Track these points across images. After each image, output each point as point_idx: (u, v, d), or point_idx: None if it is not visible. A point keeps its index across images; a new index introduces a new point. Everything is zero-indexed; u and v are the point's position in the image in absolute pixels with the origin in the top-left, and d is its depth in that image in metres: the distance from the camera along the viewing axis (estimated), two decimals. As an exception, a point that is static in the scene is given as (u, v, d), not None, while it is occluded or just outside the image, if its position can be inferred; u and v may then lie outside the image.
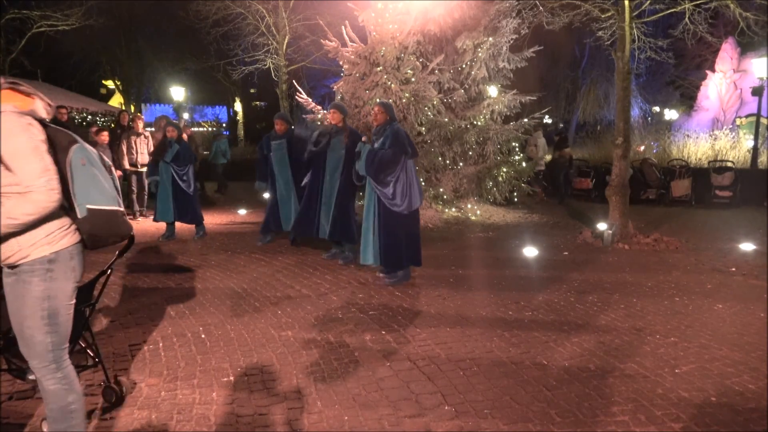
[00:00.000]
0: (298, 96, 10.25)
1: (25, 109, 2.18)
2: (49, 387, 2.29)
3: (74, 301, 2.35)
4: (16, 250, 2.18)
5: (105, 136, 9.08)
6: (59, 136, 2.26)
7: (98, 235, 2.29)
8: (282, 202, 7.43)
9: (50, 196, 2.10)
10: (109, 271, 2.99)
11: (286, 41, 17.79)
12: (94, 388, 3.32)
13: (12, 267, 2.24)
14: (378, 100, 5.82)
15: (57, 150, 2.22)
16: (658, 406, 3.19)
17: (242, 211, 10.91)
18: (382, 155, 5.38)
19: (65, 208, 2.23)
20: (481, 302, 5.17)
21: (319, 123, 9.39)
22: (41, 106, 2.27)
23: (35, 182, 2.08)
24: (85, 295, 3.05)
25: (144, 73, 28.09)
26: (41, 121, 2.25)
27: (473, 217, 10.10)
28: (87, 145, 2.33)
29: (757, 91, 13.88)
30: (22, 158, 2.08)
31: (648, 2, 8.02)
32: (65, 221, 2.25)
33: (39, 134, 2.16)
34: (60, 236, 2.23)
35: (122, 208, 2.37)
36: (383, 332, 4.34)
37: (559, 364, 3.76)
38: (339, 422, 3.00)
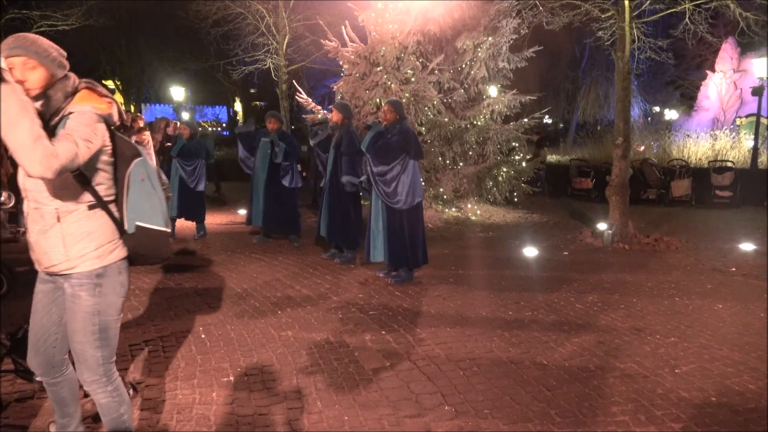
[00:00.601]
0: (298, 96, 10.25)
1: (104, 112, 2.12)
2: (101, 400, 2.28)
3: (121, 315, 2.30)
4: (63, 259, 2.11)
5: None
6: (125, 147, 2.20)
7: (141, 254, 2.25)
8: (255, 199, 7.53)
9: (54, 158, 1.82)
10: None
11: (286, 41, 17.78)
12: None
13: (52, 275, 2.20)
14: (387, 99, 5.93)
15: (120, 160, 2.17)
16: (658, 406, 3.19)
17: (242, 211, 10.90)
18: (384, 143, 5.49)
19: (117, 221, 2.18)
20: (481, 302, 5.17)
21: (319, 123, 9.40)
22: (116, 111, 2.20)
23: (67, 140, 1.90)
24: None
25: (144, 73, 28.08)
26: (110, 128, 2.18)
27: (473, 217, 10.10)
28: (150, 161, 2.28)
29: (757, 91, 13.88)
30: (73, 131, 1.96)
31: (648, 2, 8.02)
32: (116, 235, 2.20)
33: (101, 139, 2.07)
34: (109, 250, 2.17)
35: (169, 230, 2.31)
36: (383, 332, 4.34)
37: (559, 364, 3.76)
38: (339, 422, 3.00)
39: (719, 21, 17.14)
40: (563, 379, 3.53)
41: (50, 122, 2.02)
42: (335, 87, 10.65)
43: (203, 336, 4.24)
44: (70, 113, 2.04)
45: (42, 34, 2.39)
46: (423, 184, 6.49)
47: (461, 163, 10.58)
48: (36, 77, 2.01)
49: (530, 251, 7.32)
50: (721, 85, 19.99)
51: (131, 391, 3.13)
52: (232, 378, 3.53)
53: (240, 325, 4.48)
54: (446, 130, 10.20)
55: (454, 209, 10.28)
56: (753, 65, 15.06)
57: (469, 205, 10.43)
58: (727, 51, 19.68)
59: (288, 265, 6.51)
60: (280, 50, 17.92)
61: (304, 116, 11.66)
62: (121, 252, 2.22)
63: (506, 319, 4.70)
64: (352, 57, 9.97)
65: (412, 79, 9.78)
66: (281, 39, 17.74)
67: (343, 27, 9.87)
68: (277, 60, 18.12)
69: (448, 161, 10.36)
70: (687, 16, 8.57)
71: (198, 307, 4.95)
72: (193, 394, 3.30)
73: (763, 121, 15.01)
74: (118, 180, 2.17)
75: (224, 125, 33.04)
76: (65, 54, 2.12)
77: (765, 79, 13.33)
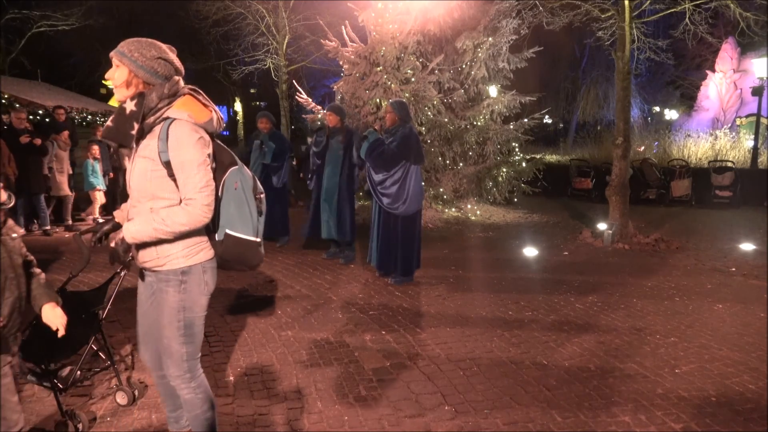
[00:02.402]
0: (298, 96, 10.26)
1: (200, 120, 2.18)
2: (185, 396, 2.33)
3: (206, 312, 2.38)
4: (154, 257, 2.21)
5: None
6: (222, 154, 2.26)
7: (227, 260, 2.29)
8: None
9: (205, 212, 2.12)
10: (123, 273, 3.01)
11: (286, 41, 17.78)
12: (103, 389, 3.32)
13: (148, 271, 2.29)
14: (389, 99, 5.84)
15: (218, 167, 2.23)
16: (658, 406, 3.19)
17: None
18: (383, 150, 5.42)
19: (207, 224, 2.23)
20: (481, 302, 5.17)
21: (318, 123, 9.40)
22: (216, 120, 2.26)
23: (195, 195, 2.10)
24: (97, 298, 3.06)
25: (143, 73, 28.04)
26: (210, 135, 2.25)
27: (473, 217, 10.11)
28: (246, 170, 2.31)
29: (757, 91, 13.89)
30: (188, 170, 2.09)
31: (648, 2, 8.03)
32: (203, 237, 2.26)
33: (207, 149, 2.17)
34: (196, 251, 2.24)
35: (259, 239, 2.31)
36: (383, 332, 4.34)
37: (559, 364, 3.76)
38: (339, 422, 3.00)
39: (719, 21, 17.13)
40: (563, 379, 3.53)
41: (145, 119, 2.13)
42: (335, 87, 10.65)
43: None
44: (168, 118, 2.14)
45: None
46: (423, 184, 6.45)
47: (461, 163, 10.58)
48: (118, 75, 2.15)
49: (530, 251, 7.32)
50: (721, 85, 19.98)
51: (135, 392, 3.13)
52: (232, 378, 3.53)
53: (240, 325, 4.48)
54: (446, 130, 10.21)
55: (454, 209, 10.28)
56: (753, 65, 15.08)
57: (469, 205, 10.43)
58: (727, 51, 19.67)
59: (288, 265, 6.51)
60: (280, 50, 17.93)
61: (304, 116, 11.66)
62: (207, 253, 2.27)
63: (506, 319, 4.70)
64: (352, 57, 9.97)
65: (412, 79, 9.78)
66: (281, 39, 17.74)
67: (343, 27, 9.87)
68: (277, 60, 18.12)
69: (448, 161, 10.36)
70: (687, 16, 8.58)
71: (198, 307, 4.95)
72: (193, 394, 3.30)
73: (763, 121, 15.01)
74: (216, 186, 2.22)
75: (224, 125, 33.09)
76: (168, 62, 2.18)
77: (765, 79, 13.34)
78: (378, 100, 9.57)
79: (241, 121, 29.56)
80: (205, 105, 2.26)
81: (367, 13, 9.85)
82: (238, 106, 30.02)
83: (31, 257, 2.33)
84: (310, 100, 10.34)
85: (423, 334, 4.31)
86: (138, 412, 3.06)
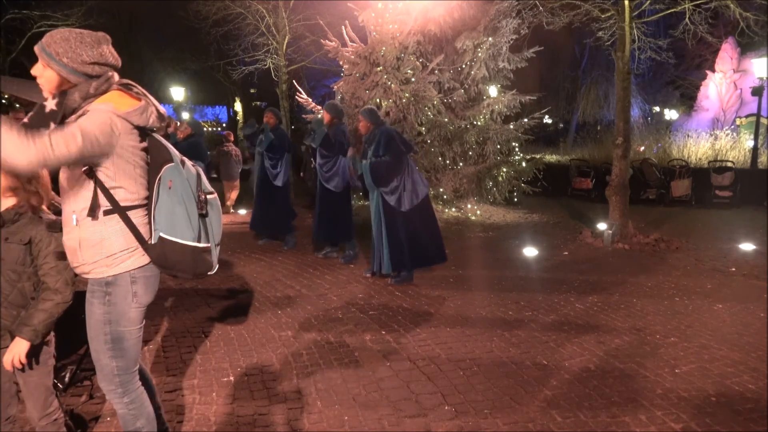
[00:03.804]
0: (298, 96, 10.26)
1: (121, 110, 1.97)
2: (118, 411, 2.22)
3: (141, 325, 2.16)
4: (79, 263, 2.05)
5: None
6: (157, 152, 2.07)
7: (164, 266, 2.08)
8: (255, 201, 7.54)
9: (40, 148, 1.75)
10: None
11: (286, 41, 17.78)
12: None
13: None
14: (361, 110, 5.80)
15: (152, 165, 2.06)
16: (658, 406, 3.19)
17: (242, 211, 10.91)
18: (385, 165, 5.34)
19: (135, 229, 2.03)
20: (481, 302, 5.17)
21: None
22: (145, 110, 2.04)
23: (51, 136, 1.79)
24: None
25: (144, 73, 28.05)
26: (143, 130, 2.05)
27: (473, 217, 10.10)
28: (186, 168, 2.10)
29: (757, 91, 13.88)
30: (69, 126, 1.86)
31: (648, 2, 8.02)
32: (131, 243, 2.03)
33: (112, 134, 1.93)
34: (121, 259, 2.03)
35: (204, 245, 2.10)
36: (383, 332, 4.34)
37: (559, 364, 3.76)
38: (339, 422, 3.00)
39: (719, 21, 17.12)
40: (563, 379, 3.53)
41: (66, 120, 1.95)
42: (335, 87, 10.65)
43: (203, 336, 4.24)
44: (87, 111, 1.95)
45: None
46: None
47: (461, 163, 10.59)
48: (46, 78, 1.98)
49: (530, 251, 7.32)
50: (721, 85, 19.98)
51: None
52: (232, 378, 3.53)
53: (240, 325, 4.48)
54: (446, 130, 10.21)
55: (454, 209, 10.28)
56: (753, 65, 15.06)
57: (469, 205, 10.43)
58: (727, 51, 19.67)
59: (288, 265, 6.51)
60: (280, 50, 17.92)
61: (304, 116, 11.66)
62: (137, 261, 2.06)
63: (506, 319, 4.70)
64: (352, 57, 9.97)
65: (412, 79, 9.79)
66: (281, 39, 17.74)
67: (343, 27, 9.87)
68: (277, 60, 18.12)
69: (448, 161, 10.37)
70: (687, 16, 8.57)
71: (198, 307, 4.95)
72: (193, 394, 3.30)
73: (763, 121, 15.01)
74: (150, 185, 2.06)
75: (224, 125, 33.02)
76: (102, 65, 2.00)
77: (765, 79, 13.33)
78: (378, 100, 9.57)
79: (241, 121, 29.54)
80: (136, 98, 2.05)
81: (367, 13, 9.85)
82: (238, 106, 30.01)
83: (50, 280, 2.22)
84: (310, 100, 10.34)
85: (423, 334, 4.31)
86: (138, 412, 3.06)
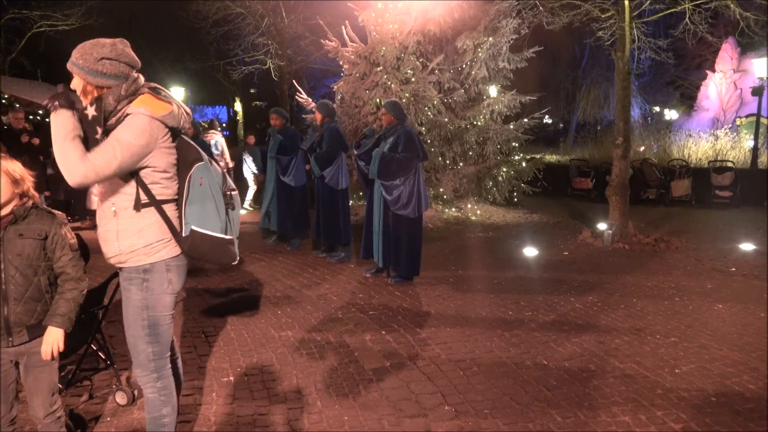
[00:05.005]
0: (298, 96, 10.26)
1: (157, 114, 2.16)
2: (148, 395, 2.33)
3: (173, 312, 2.35)
4: (116, 252, 2.20)
5: None
6: (187, 151, 2.26)
7: (194, 257, 2.28)
8: (264, 201, 7.51)
9: (85, 172, 2.01)
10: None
11: (286, 41, 17.80)
12: (103, 389, 3.32)
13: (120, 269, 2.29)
14: (384, 101, 5.83)
15: (182, 164, 2.24)
16: (658, 406, 3.19)
17: (242, 211, 10.92)
18: (397, 161, 5.34)
19: (169, 221, 2.21)
20: (481, 302, 5.17)
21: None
22: (177, 113, 2.24)
23: (96, 157, 2.03)
24: (97, 298, 3.06)
25: (144, 73, 27.96)
26: (175, 131, 2.25)
27: (473, 217, 10.10)
28: (214, 167, 2.30)
29: (757, 91, 13.87)
30: (110, 141, 2.07)
31: (648, 2, 8.02)
32: (166, 234, 2.22)
33: (151, 141, 2.13)
34: (158, 248, 2.21)
35: (230, 237, 2.30)
36: (383, 332, 4.34)
37: (559, 364, 3.76)
38: (339, 422, 3.00)
39: (719, 21, 17.11)
40: (563, 379, 3.53)
41: (107, 123, 2.13)
42: (335, 87, 10.66)
43: (203, 336, 4.24)
44: (127, 114, 2.13)
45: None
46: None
47: (461, 163, 10.59)
48: (75, 84, 2.16)
49: (530, 251, 7.32)
50: (721, 85, 19.98)
51: (135, 392, 3.13)
52: (232, 378, 3.53)
53: (240, 325, 4.48)
54: (446, 130, 10.21)
55: (454, 209, 10.28)
56: (753, 65, 15.06)
57: (469, 205, 10.43)
58: (727, 51, 19.66)
59: (288, 265, 6.51)
60: (280, 50, 17.94)
61: (304, 116, 11.66)
62: (171, 251, 2.25)
63: (506, 319, 4.70)
64: (352, 57, 9.97)
65: (412, 79, 9.79)
66: (281, 39, 17.75)
67: (343, 27, 9.87)
68: (277, 60, 18.13)
69: (448, 161, 10.37)
70: (687, 16, 8.57)
71: (198, 306, 4.95)
72: (193, 394, 3.30)
73: (763, 121, 15.01)
74: (181, 182, 2.24)
75: (224, 125, 33.02)
76: (115, 60, 2.14)
77: (765, 79, 13.32)
78: (378, 100, 9.57)
79: (241, 121, 29.53)
80: (166, 101, 2.24)
81: (367, 13, 9.85)
82: (238, 106, 30.00)
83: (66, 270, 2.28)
84: (310, 100, 10.34)
85: (423, 334, 4.31)
86: (138, 412, 3.06)
